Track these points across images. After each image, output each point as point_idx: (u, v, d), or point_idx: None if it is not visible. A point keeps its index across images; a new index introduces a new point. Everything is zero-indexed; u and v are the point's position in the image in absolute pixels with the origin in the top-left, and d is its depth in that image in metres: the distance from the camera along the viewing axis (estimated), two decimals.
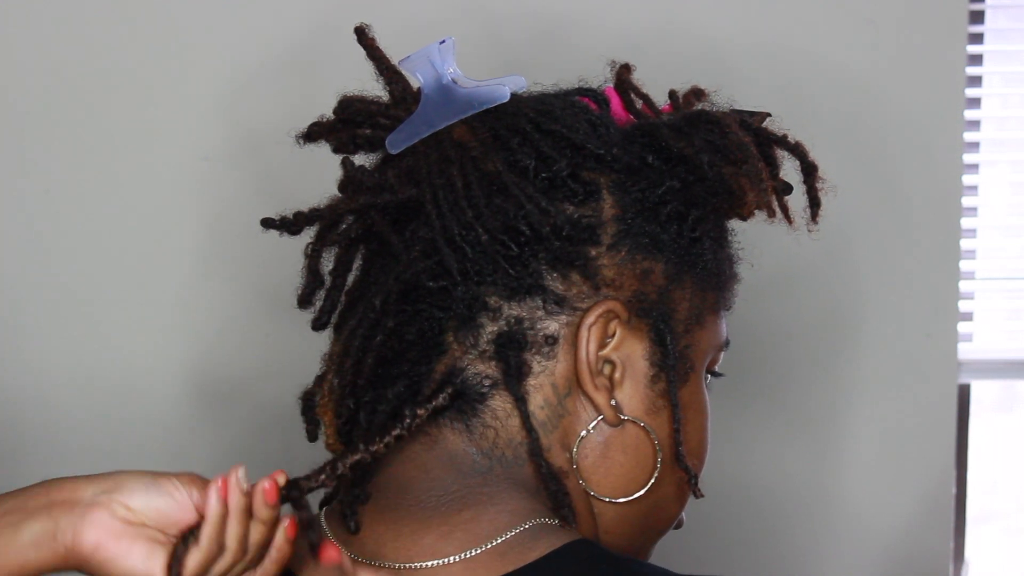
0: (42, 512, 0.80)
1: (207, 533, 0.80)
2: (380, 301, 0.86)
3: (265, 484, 0.81)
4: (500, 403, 0.86)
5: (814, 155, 0.96)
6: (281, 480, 0.82)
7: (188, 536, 0.81)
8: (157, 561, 0.80)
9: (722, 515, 1.71)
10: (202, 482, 0.82)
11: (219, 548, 0.81)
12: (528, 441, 0.85)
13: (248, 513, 0.82)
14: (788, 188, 0.94)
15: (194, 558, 0.80)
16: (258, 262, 1.64)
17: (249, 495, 0.81)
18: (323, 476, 0.84)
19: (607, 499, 0.88)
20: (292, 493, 0.83)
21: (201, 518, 0.81)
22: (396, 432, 0.84)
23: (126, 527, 0.80)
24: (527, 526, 0.83)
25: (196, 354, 1.71)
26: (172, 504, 0.81)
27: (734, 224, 0.94)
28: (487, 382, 0.85)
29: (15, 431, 1.71)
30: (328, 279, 0.92)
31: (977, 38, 1.76)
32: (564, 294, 0.85)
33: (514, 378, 0.85)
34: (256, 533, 0.82)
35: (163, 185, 1.69)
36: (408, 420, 0.84)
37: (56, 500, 0.81)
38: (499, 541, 0.82)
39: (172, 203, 1.69)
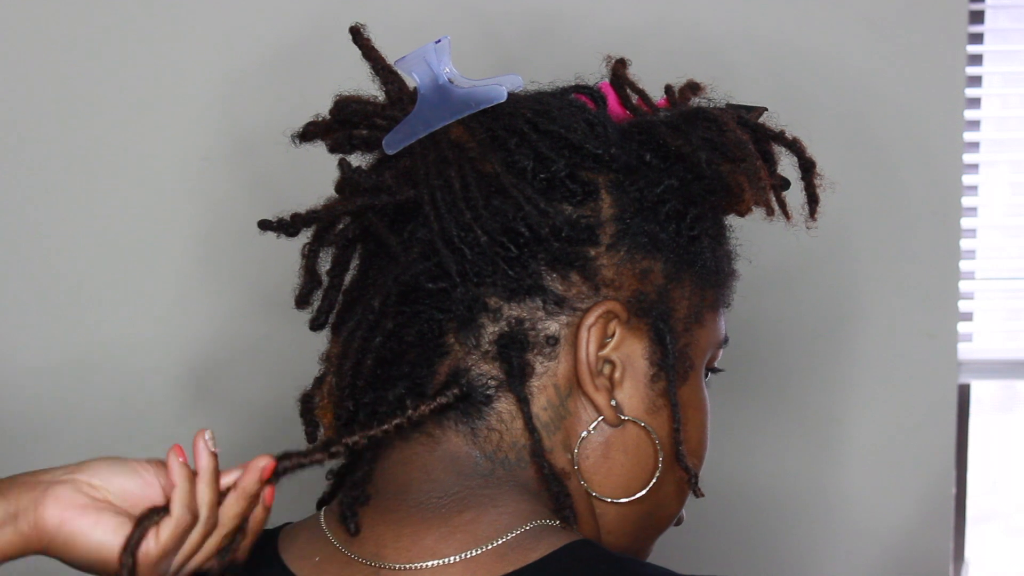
0: (3, 499, 0.79)
1: (176, 498, 0.79)
2: (379, 302, 0.86)
3: (262, 463, 0.82)
4: (505, 406, 0.86)
5: (812, 153, 0.95)
6: (264, 463, 0.83)
7: (158, 510, 0.80)
8: (126, 533, 0.79)
9: (722, 514, 1.70)
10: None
11: (191, 515, 0.80)
12: (531, 443, 0.85)
13: (217, 476, 0.82)
14: (786, 184, 0.94)
15: (166, 527, 0.79)
16: (255, 262, 1.64)
17: (216, 456, 0.82)
18: (318, 453, 0.84)
19: (609, 499, 0.87)
20: (283, 464, 0.84)
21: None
22: (396, 421, 0.84)
23: (91, 502, 0.79)
24: (528, 527, 0.83)
25: (193, 354, 1.71)
26: (139, 483, 0.81)
27: (732, 220, 0.94)
28: (492, 383, 0.85)
29: (11, 429, 1.71)
30: (325, 279, 0.92)
31: (977, 38, 1.76)
32: (564, 294, 0.85)
33: (517, 379, 0.84)
34: (237, 506, 0.82)
35: (160, 185, 1.69)
36: (411, 411, 0.84)
37: (17, 482, 0.80)
38: (500, 542, 0.82)
39: (169, 203, 1.69)
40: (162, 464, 0.82)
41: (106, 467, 0.81)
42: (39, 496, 0.79)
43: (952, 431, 1.74)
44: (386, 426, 0.84)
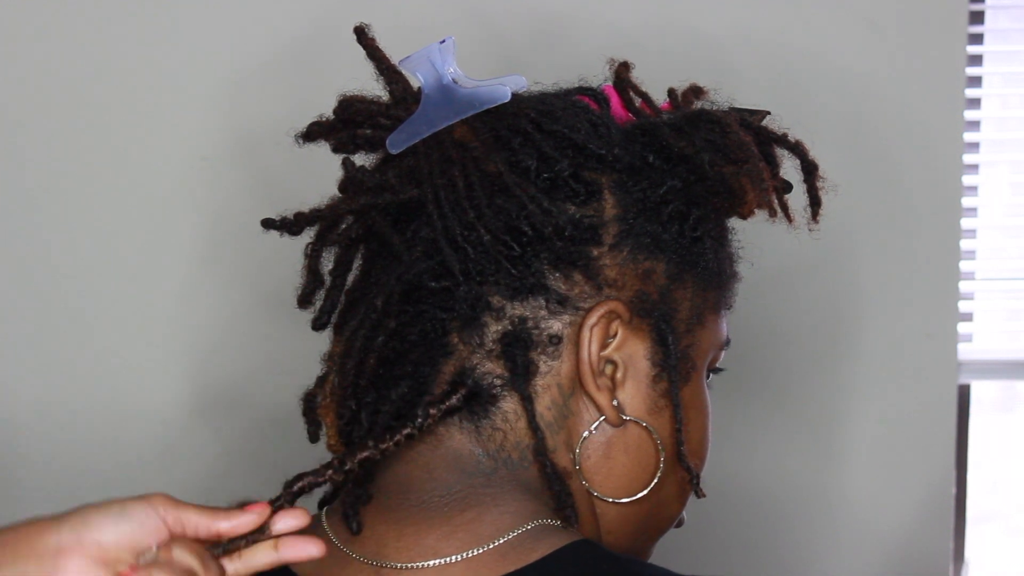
0: (6, 568, 0.74)
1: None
2: (382, 301, 0.86)
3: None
4: (511, 405, 0.86)
5: (814, 155, 0.96)
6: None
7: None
8: None
9: (722, 515, 1.71)
10: (172, 501, 0.78)
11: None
12: (534, 442, 0.85)
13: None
14: (788, 187, 0.95)
15: None
16: (258, 262, 1.64)
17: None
18: (330, 471, 0.84)
19: (610, 499, 0.88)
20: (297, 485, 0.83)
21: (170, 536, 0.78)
22: (407, 431, 0.84)
23: (102, 566, 0.75)
24: (529, 527, 0.83)
25: (195, 354, 1.71)
26: (142, 530, 0.77)
27: (734, 223, 0.94)
28: (498, 382, 0.85)
29: (13, 432, 1.71)
30: (328, 279, 0.92)
31: (977, 38, 1.76)
32: (566, 294, 0.85)
33: (522, 377, 0.85)
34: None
35: (162, 185, 1.69)
36: (420, 419, 0.84)
37: (21, 553, 0.75)
38: (501, 541, 0.82)
39: (171, 203, 1.69)
40: (165, 499, 0.79)
41: (109, 522, 0.76)
42: (50, 570, 0.74)
43: (952, 431, 1.74)
44: (398, 437, 0.84)
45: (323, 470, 0.84)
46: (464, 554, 0.82)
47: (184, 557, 0.77)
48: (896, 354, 1.73)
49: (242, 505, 0.81)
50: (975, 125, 1.78)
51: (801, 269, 1.69)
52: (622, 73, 0.94)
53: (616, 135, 0.89)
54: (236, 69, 1.67)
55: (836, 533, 1.75)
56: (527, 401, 0.85)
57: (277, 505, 0.82)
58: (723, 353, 0.94)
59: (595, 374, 0.86)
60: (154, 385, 1.71)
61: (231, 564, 0.80)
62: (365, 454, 0.84)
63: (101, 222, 1.70)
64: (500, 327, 0.85)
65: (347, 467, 0.84)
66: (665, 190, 0.87)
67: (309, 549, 0.80)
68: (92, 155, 1.69)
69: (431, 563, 0.82)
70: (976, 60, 1.76)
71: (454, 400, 0.85)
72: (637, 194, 0.87)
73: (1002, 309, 1.84)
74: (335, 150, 0.93)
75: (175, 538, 0.78)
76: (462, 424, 0.86)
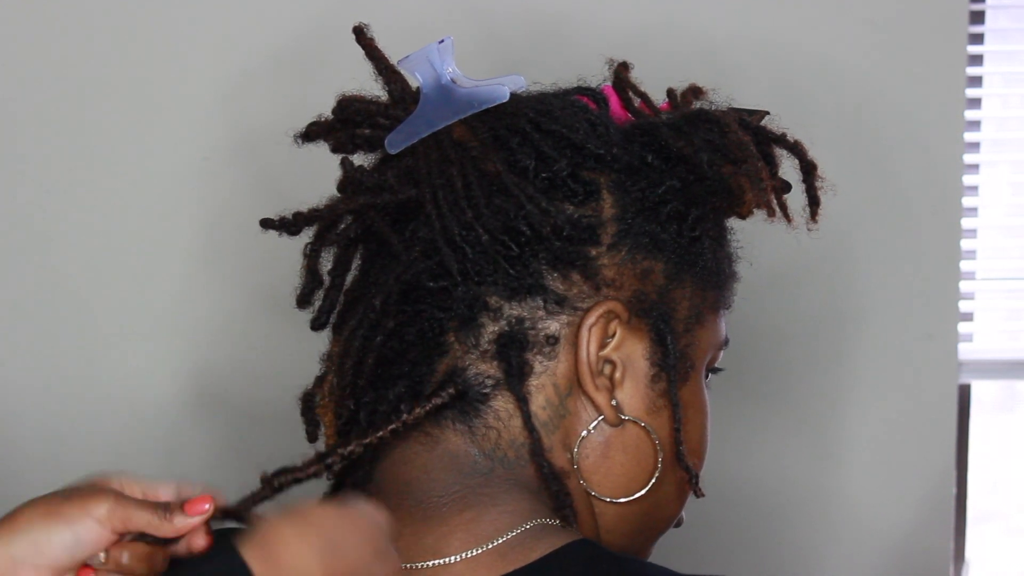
0: None
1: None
2: (380, 301, 0.86)
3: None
4: (502, 404, 0.86)
5: (813, 155, 0.96)
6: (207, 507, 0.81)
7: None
8: None
9: (722, 515, 1.70)
10: (118, 501, 0.78)
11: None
12: (530, 442, 0.85)
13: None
14: (787, 187, 0.95)
15: None
16: (256, 262, 1.64)
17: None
18: (313, 467, 0.84)
19: (608, 499, 0.88)
20: (279, 480, 0.83)
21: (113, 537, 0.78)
22: (392, 426, 0.84)
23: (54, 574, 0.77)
24: (528, 526, 0.83)
25: (194, 354, 1.71)
26: (87, 543, 0.78)
27: (733, 223, 0.94)
28: (489, 382, 0.85)
29: (12, 430, 1.71)
30: (327, 279, 0.92)
31: (977, 38, 1.76)
32: (565, 294, 0.85)
33: (516, 378, 0.85)
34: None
35: (161, 185, 1.69)
36: (405, 415, 0.84)
37: None
38: (500, 541, 0.82)
39: (170, 203, 1.69)
40: (103, 495, 0.79)
41: (38, 528, 0.78)
42: None
43: (952, 431, 1.74)
44: (381, 432, 0.84)
45: (305, 466, 0.84)
46: (463, 554, 0.82)
47: (131, 561, 0.79)
48: (896, 354, 1.73)
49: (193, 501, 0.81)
50: (975, 125, 1.77)
51: (800, 269, 1.69)
52: (621, 73, 0.94)
53: (615, 135, 0.89)
54: (235, 69, 1.67)
55: (836, 533, 1.75)
56: (521, 401, 0.85)
57: (260, 498, 0.83)
58: (722, 353, 0.94)
59: (594, 374, 0.86)
60: (153, 383, 1.71)
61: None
62: (348, 449, 0.84)
63: (100, 221, 1.70)
64: (497, 327, 0.85)
65: (329, 462, 0.84)
66: (664, 190, 0.87)
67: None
68: (92, 155, 1.69)
69: (430, 563, 0.82)
70: (976, 60, 1.76)
71: (440, 398, 0.85)
72: (635, 194, 0.87)
73: (1002, 309, 1.83)
74: (334, 150, 0.94)
75: (121, 541, 0.78)
76: (455, 424, 0.86)
